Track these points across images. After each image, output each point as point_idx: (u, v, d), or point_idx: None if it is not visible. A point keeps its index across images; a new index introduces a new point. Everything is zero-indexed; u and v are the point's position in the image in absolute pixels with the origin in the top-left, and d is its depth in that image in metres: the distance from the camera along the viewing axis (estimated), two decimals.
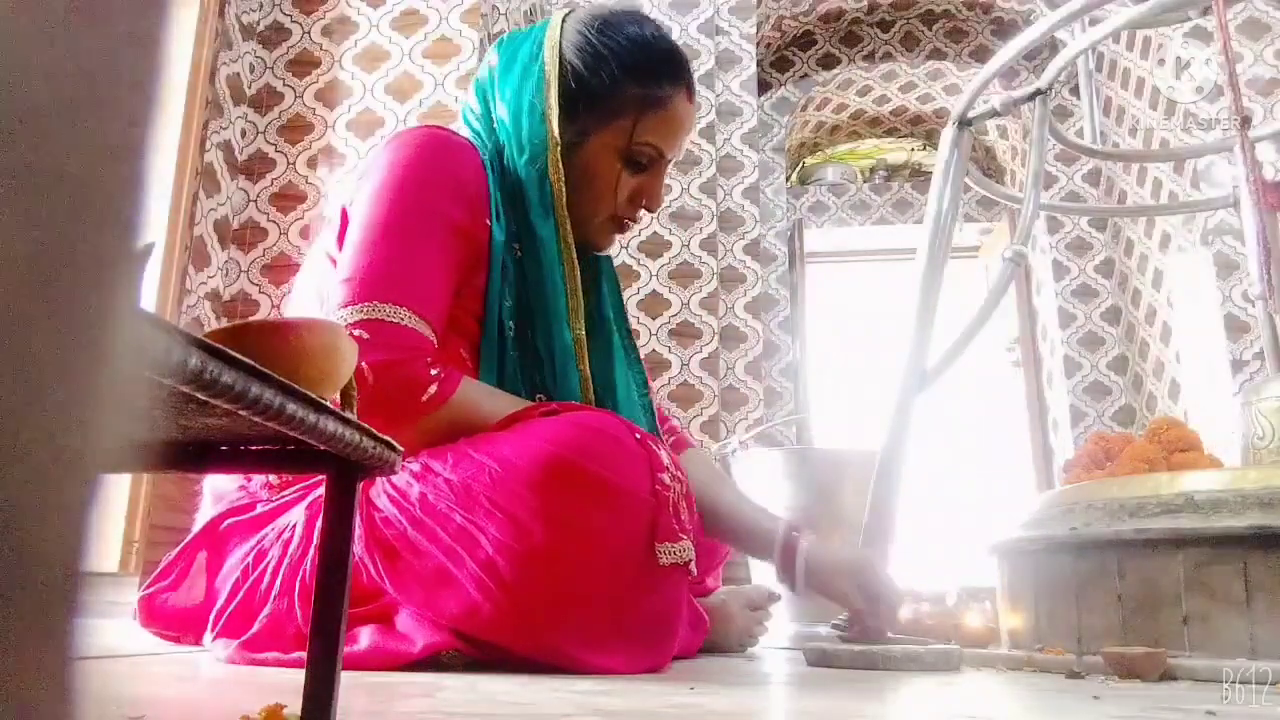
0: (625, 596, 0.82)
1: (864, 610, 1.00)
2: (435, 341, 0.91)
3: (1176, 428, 1.22)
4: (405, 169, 0.95)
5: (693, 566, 0.86)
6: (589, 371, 1.03)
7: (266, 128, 2.11)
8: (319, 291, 0.99)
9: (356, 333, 0.86)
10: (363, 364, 0.85)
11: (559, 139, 1.00)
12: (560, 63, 1.01)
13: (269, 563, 0.87)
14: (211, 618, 0.88)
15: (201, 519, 0.98)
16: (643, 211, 1.08)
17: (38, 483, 0.12)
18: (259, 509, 0.93)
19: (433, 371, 0.88)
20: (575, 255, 1.03)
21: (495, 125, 1.04)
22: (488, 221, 0.98)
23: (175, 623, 0.95)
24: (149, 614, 0.96)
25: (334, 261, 0.97)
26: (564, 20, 1.05)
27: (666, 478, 0.85)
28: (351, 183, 1.01)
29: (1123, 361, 3.49)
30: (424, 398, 0.87)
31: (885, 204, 4.29)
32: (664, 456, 0.87)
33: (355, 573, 0.82)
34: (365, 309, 0.88)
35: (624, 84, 1.01)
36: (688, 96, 1.05)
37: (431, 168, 0.96)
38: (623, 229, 1.09)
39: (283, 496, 0.93)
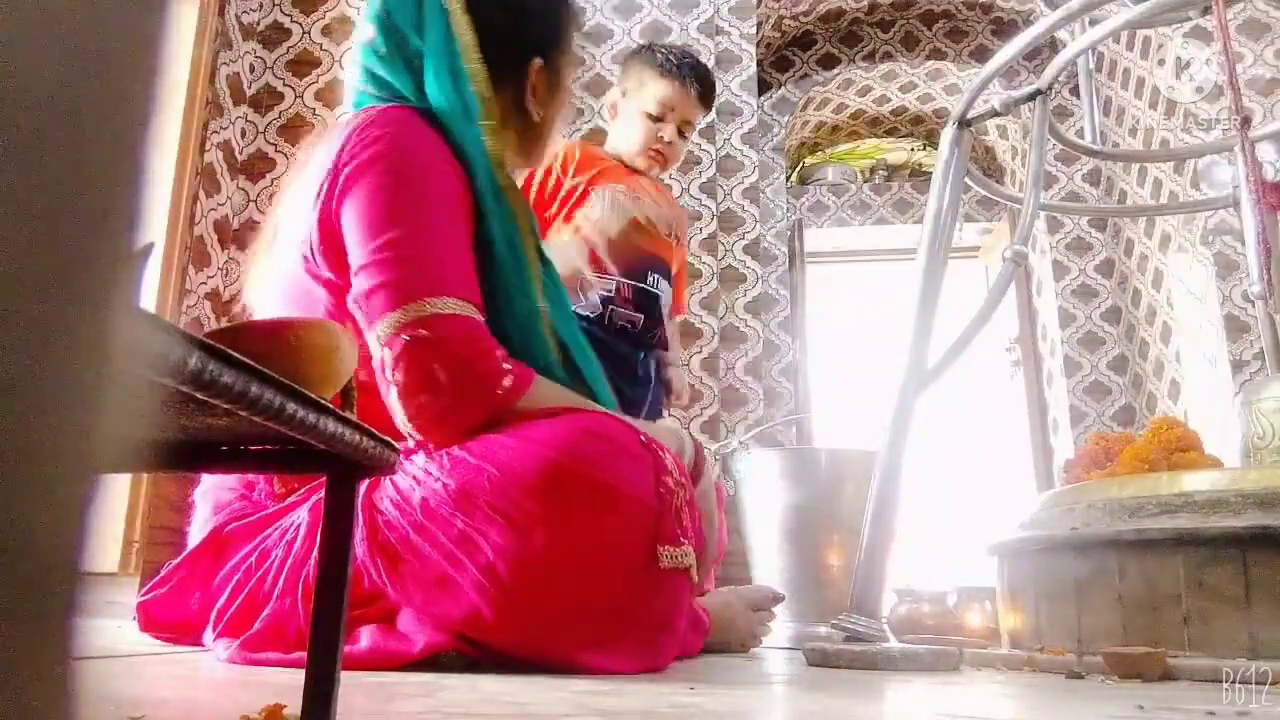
0: (626, 599, 0.82)
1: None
2: (484, 320, 0.90)
3: (1176, 428, 1.22)
4: (392, 154, 0.91)
5: (694, 573, 0.86)
6: (555, 340, 0.99)
7: (266, 128, 2.11)
8: (289, 295, 0.95)
9: (421, 333, 0.85)
10: (435, 364, 0.85)
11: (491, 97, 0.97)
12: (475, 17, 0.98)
13: (272, 562, 0.86)
14: (213, 617, 0.87)
15: (197, 532, 0.95)
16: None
17: (37, 483, 0.12)
18: (262, 514, 0.92)
19: (505, 365, 0.88)
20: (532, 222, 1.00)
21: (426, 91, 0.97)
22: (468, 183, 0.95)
23: (173, 628, 0.95)
24: (147, 619, 0.95)
25: (307, 261, 0.93)
26: None
27: (670, 481, 0.85)
28: (314, 180, 0.93)
29: (1123, 361, 3.49)
30: (500, 390, 0.87)
31: (885, 204, 4.29)
32: (668, 460, 0.87)
33: (358, 576, 0.82)
34: (417, 308, 0.86)
35: (527, 26, 1.02)
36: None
37: (415, 141, 0.93)
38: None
39: (287, 504, 0.92)
